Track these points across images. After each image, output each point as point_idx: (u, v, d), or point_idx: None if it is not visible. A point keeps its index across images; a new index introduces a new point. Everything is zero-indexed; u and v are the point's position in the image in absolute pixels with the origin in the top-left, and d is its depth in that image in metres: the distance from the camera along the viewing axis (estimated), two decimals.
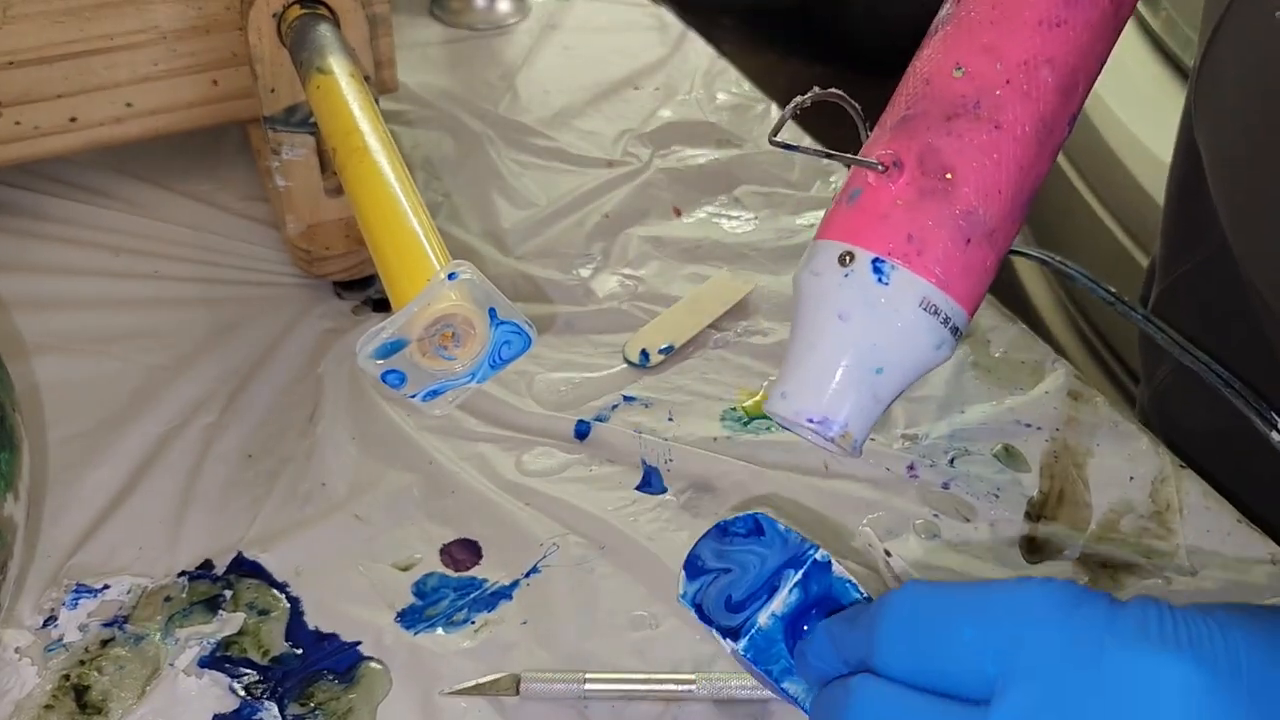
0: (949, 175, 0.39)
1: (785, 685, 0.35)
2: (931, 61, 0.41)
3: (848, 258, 0.39)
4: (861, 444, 0.40)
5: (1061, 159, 1.24)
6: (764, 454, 0.54)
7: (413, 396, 0.43)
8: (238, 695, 0.44)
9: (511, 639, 0.46)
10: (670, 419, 0.55)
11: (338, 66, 0.49)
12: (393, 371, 0.42)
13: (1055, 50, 0.40)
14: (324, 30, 0.53)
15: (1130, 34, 0.97)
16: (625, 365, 0.58)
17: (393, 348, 0.41)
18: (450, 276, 0.40)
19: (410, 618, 0.47)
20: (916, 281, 0.39)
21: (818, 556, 0.36)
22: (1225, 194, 0.56)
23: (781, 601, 0.35)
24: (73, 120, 0.58)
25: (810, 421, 0.39)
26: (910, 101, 0.41)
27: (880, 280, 0.39)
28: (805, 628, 0.35)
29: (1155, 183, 1.12)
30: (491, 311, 0.41)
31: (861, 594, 0.36)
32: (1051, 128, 0.40)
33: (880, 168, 0.39)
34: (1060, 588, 0.30)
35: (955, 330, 0.40)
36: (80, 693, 0.44)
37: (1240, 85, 0.54)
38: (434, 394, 0.43)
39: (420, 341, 0.41)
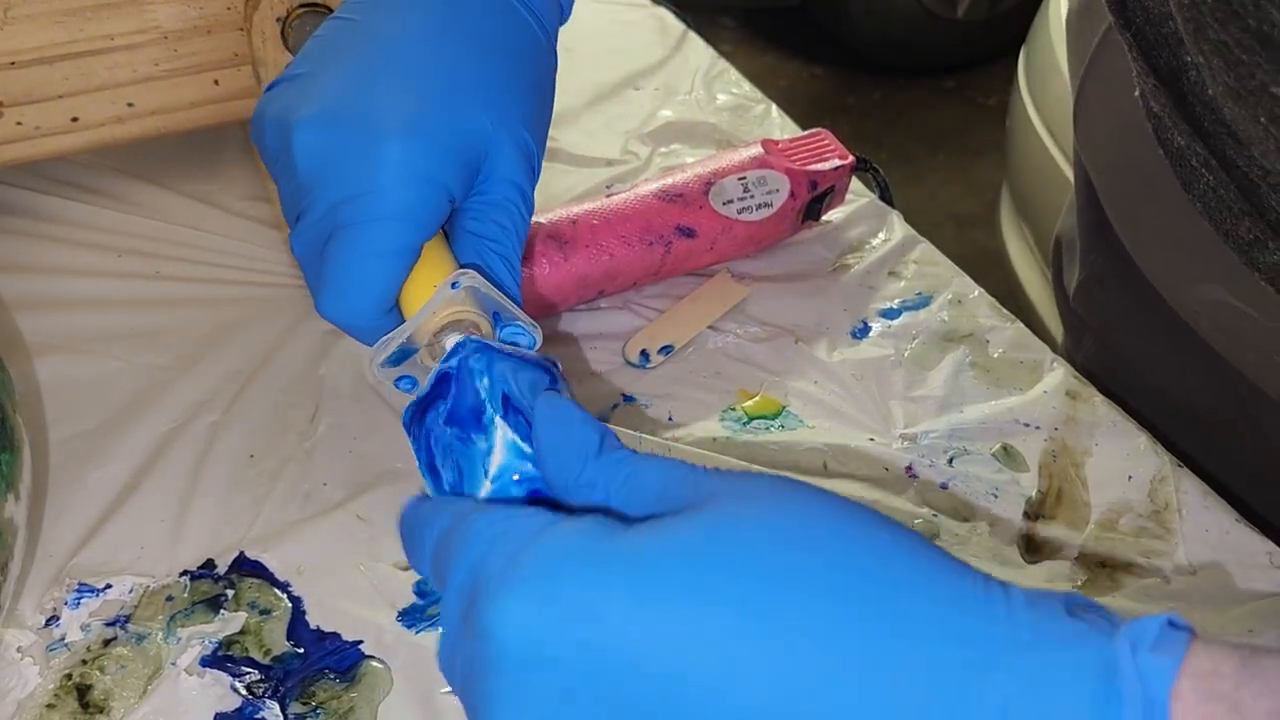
0: None
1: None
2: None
3: None
4: None
5: (1056, 150, 1.24)
6: (763, 454, 0.54)
7: None
8: (239, 694, 0.44)
9: None
10: (670, 419, 0.56)
11: None
12: (404, 377, 0.43)
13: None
14: None
15: None
16: (625, 365, 0.58)
17: (402, 355, 0.42)
18: (454, 285, 0.40)
19: (411, 617, 0.47)
20: None
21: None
22: (1108, 203, 0.60)
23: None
24: (74, 120, 0.58)
25: None
26: None
27: None
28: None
29: None
30: (496, 315, 0.41)
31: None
32: None
33: None
34: None
35: None
36: (82, 692, 0.44)
37: (1108, 135, 0.59)
38: None
39: (429, 346, 0.41)
